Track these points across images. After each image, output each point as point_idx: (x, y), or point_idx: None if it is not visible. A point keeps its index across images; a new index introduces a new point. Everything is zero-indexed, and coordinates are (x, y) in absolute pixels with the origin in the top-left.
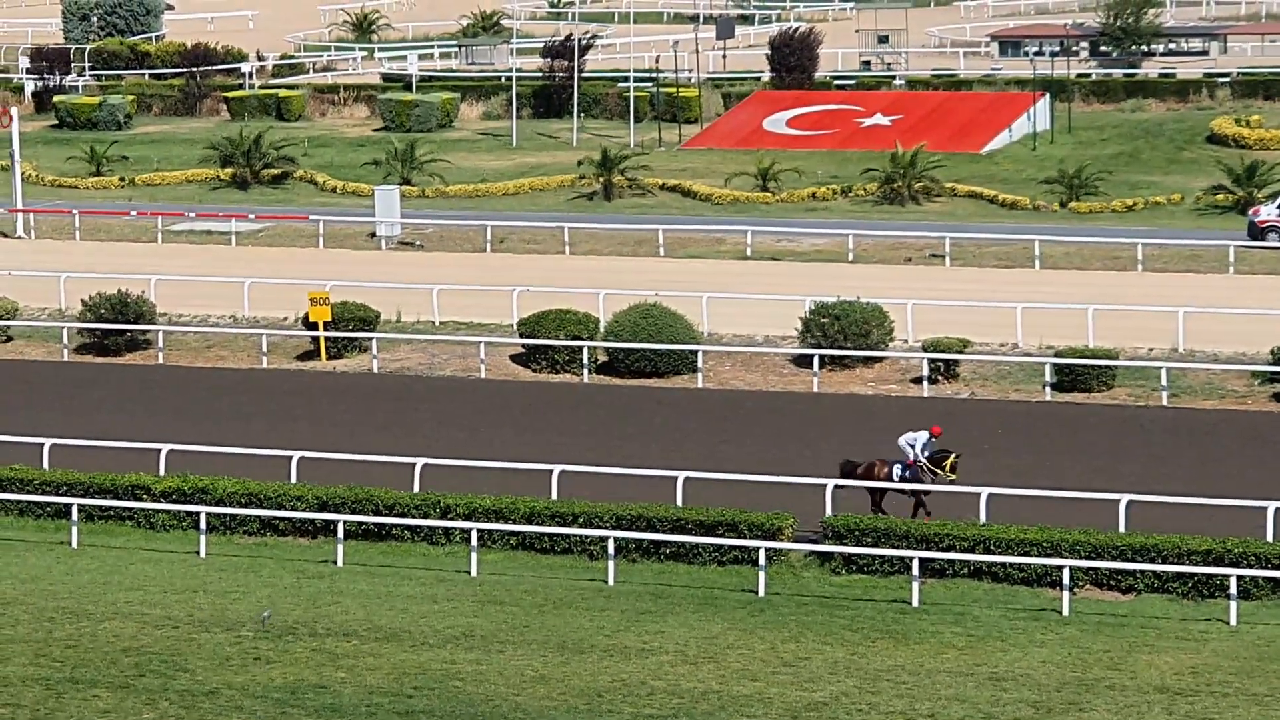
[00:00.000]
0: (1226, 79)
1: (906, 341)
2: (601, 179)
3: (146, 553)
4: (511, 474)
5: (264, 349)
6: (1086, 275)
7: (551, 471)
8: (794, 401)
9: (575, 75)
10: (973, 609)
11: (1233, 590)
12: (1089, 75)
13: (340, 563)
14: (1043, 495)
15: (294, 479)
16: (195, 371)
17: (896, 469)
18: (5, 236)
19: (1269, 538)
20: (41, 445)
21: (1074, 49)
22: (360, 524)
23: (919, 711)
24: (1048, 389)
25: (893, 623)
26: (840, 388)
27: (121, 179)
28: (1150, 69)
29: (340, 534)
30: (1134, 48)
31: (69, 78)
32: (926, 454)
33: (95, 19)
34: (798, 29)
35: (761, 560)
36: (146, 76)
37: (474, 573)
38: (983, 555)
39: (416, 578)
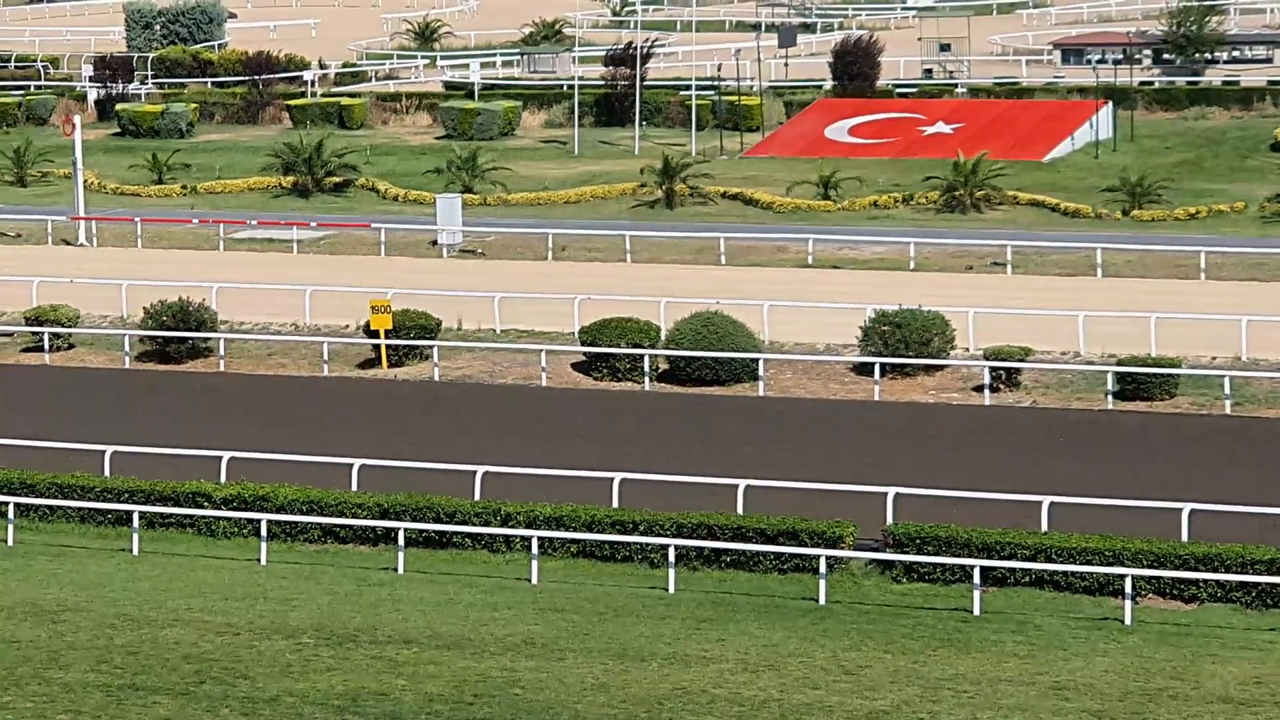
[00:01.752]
0: None
1: (968, 350)
2: (663, 187)
3: (207, 560)
4: (572, 482)
5: (325, 357)
6: (1149, 283)
7: (612, 479)
8: (855, 410)
9: (637, 83)
10: (1034, 618)
11: None
12: (1152, 83)
13: (401, 570)
14: (1105, 504)
15: (355, 486)
16: (256, 379)
17: None
18: (68, 244)
19: None
20: (103, 452)
21: (1137, 57)
22: (421, 531)
23: None
24: (1110, 397)
25: (954, 631)
26: (901, 396)
27: (183, 187)
28: (1213, 77)
29: (401, 541)
30: (1197, 55)
31: (132, 86)
32: None
33: (158, 27)
34: (860, 37)
35: (822, 568)
36: (209, 84)
37: (534, 580)
38: (1045, 564)
39: (477, 585)
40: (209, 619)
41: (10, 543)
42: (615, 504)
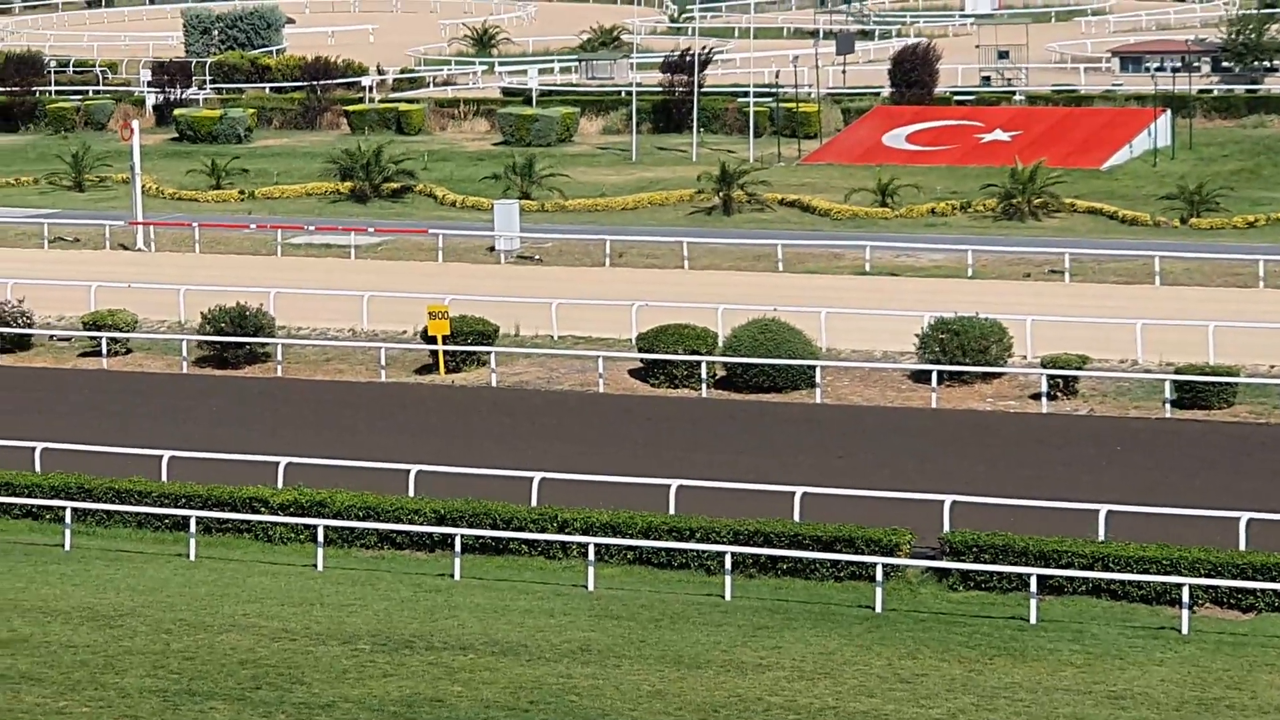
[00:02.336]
0: None
1: (1025, 357)
2: (720, 194)
3: (264, 565)
4: (629, 488)
5: (383, 362)
6: (1207, 292)
7: (669, 486)
8: (912, 417)
9: (695, 90)
10: (1091, 627)
11: None
12: (1210, 91)
13: (458, 576)
14: (1162, 513)
15: (412, 492)
16: (314, 384)
17: None
18: (126, 249)
19: None
20: (160, 458)
21: (1195, 65)
22: (478, 538)
23: None
24: (1167, 406)
25: (1010, 640)
26: (958, 403)
27: (241, 192)
28: (1272, 85)
29: (458, 547)
30: (1256, 63)
31: (190, 91)
32: None
33: (216, 33)
34: (918, 44)
35: (879, 576)
36: (267, 90)
37: (591, 587)
38: (1101, 573)
39: (533, 592)
40: (265, 624)
41: (67, 547)
42: (672, 511)
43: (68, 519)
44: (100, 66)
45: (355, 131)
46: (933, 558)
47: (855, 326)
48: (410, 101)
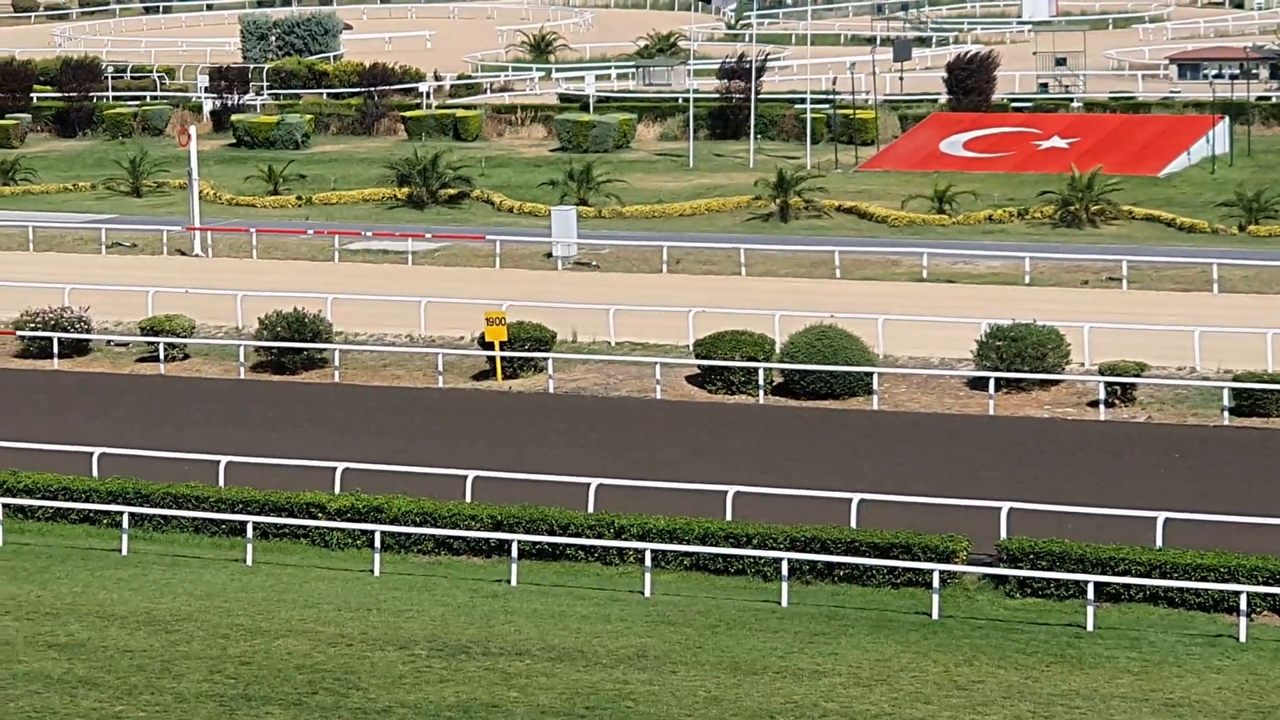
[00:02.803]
0: None
1: (1083, 365)
2: (778, 200)
3: (321, 570)
4: (686, 495)
5: (440, 368)
6: (1265, 299)
7: (726, 492)
8: (969, 424)
9: (752, 96)
10: (1148, 634)
11: None
12: (1269, 98)
13: (514, 582)
14: (1220, 520)
15: (469, 498)
16: (371, 390)
17: None
18: (183, 255)
19: None
20: (217, 463)
21: (1253, 72)
22: (534, 543)
23: None
24: (1225, 413)
25: (1067, 647)
26: (1016, 410)
27: (298, 198)
28: None
29: (514, 553)
30: None
31: (247, 97)
32: None
33: (274, 39)
34: (975, 51)
35: (935, 583)
36: (324, 96)
37: (647, 593)
38: (1158, 580)
39: (590, 598)
40: (322, 630)
41: (125, 552)
42: (729, 517)
43: (125, 524)
44: (158, 72)
45: (412, 137)
46: (990, 564)
47: (912, 333)
48: (467, 107)
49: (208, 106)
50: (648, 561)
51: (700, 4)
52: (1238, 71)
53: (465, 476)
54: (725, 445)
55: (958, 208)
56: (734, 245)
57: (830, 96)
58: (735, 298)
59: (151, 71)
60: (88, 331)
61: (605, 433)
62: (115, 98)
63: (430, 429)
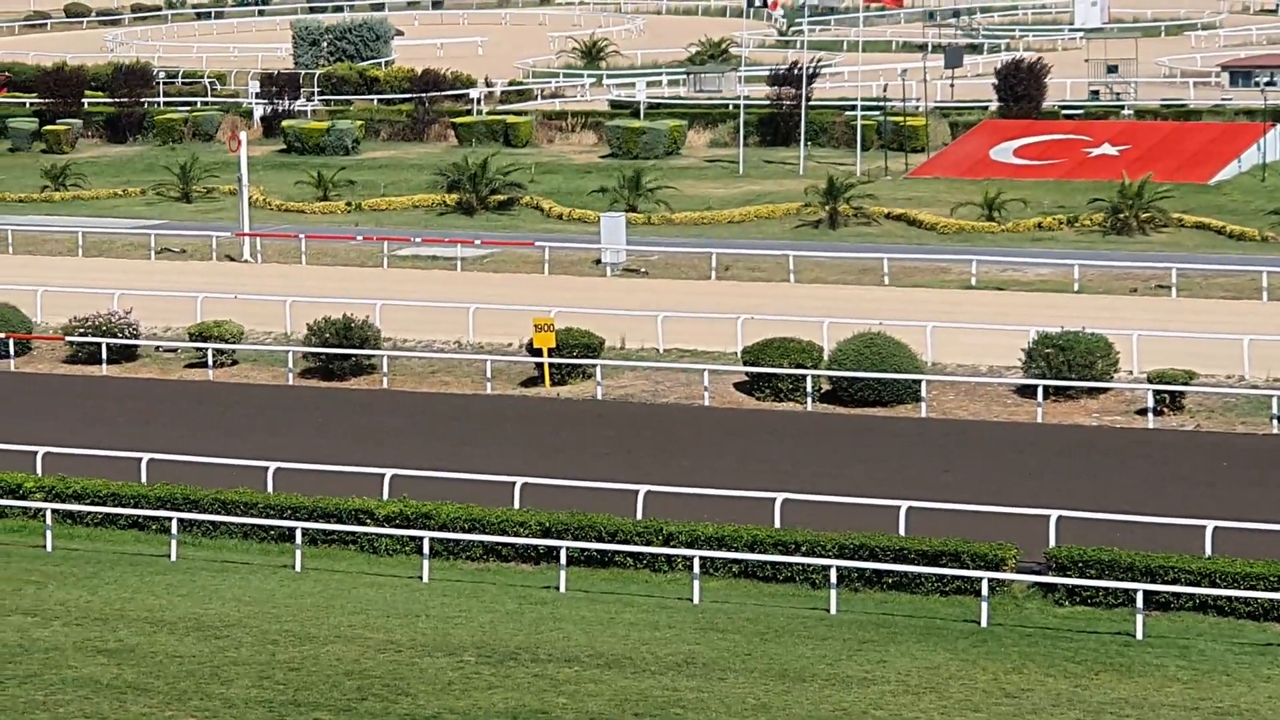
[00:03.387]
0: None
1: (1132, 373)
2: (827, 207)
3: (369, 577)
4: (734, 502)
5: (488, 375)
6: None
7: (774, 499)
8: (1017, 432)
9: (803, 103)
10: (1197, 643)
11: None
12: None
13: (563, 589)
14: (1269, 528)
15: (518, 505)
16: (419, 397)
17: None
18: (232, 260)
19: None
20: (266, 469)
21: None
22: (583, 550)
23: None
24: (1275, 422)
25: (1116, 655)
26: (1064, 418)
27: (348, 203)
28: None
29: (563, 560)
30: None
31: (298, 102)
32: None
33: (325, 44)
34: (1026, 58)
35: (984, 591)
36: (375, 102)
37: (696, 600)
38: (1208, 588)
39: (638, 604)
40: (371, 636)
41: (173, 558)
42: (777, 524)
43: (174, 530)
44: (209, 78)
45: (463, 143)
46: (1038, 572)
47: (961, 341)
48: (518, 114)
49: (258, 112)
50: (696, 568)
51: (751, 11)
52: None
53: (514, 483)
54: (773, 452)
55: (1007, 215)
56: (783, 252)
57: (881, 103)
58: (784, 304)
59: (203, 77)
60: (136, 337)
61: (653, 439)
62: (166, 103)
63: (479, 435)
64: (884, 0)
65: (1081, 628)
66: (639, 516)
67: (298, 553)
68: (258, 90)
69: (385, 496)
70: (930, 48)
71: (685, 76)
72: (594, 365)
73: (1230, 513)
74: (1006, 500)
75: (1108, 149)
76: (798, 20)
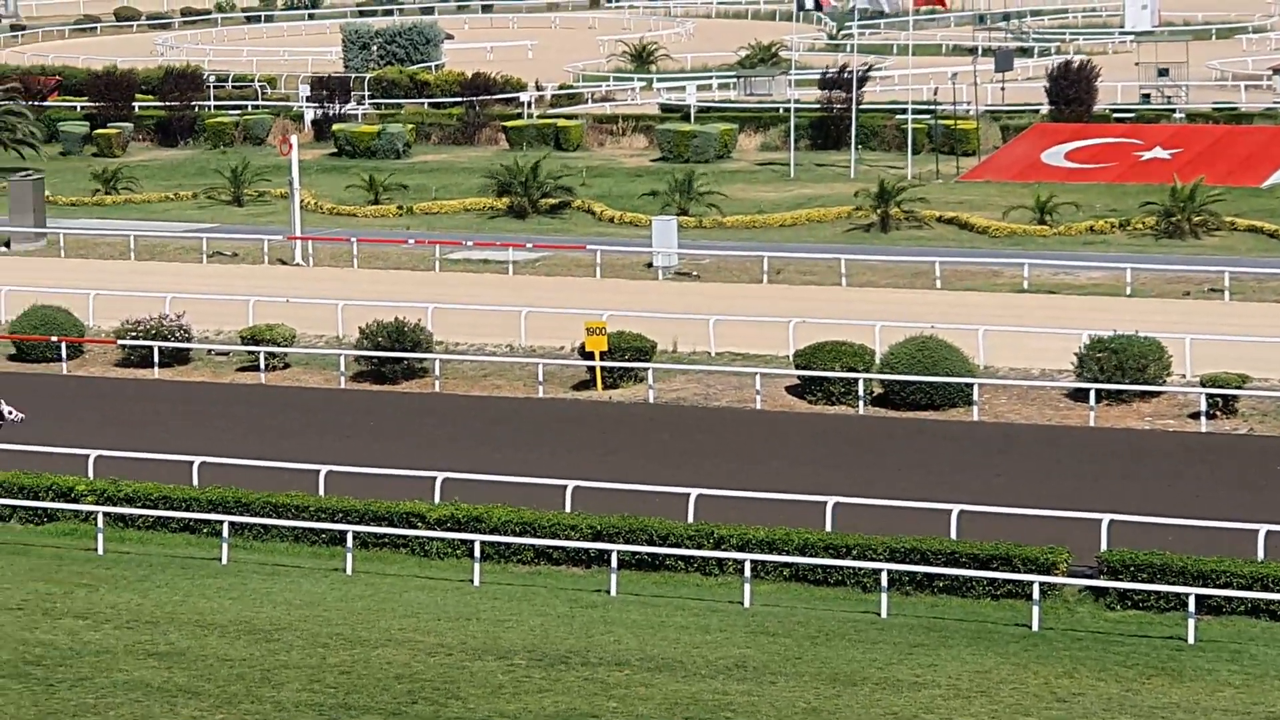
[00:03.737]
0: None
1: (1184, 376)
2: (878, 211)
3: (420, 580)
4: (785, 505)
5: (540, 378)
6: None
7: (826, 503)
8: (1069, 436)
9: (853, 107)
10: (1249, 647)
11: None
12: None
13: (614, 592)
14: None
15: (569, 508)
16: (471, 400)
17: None
18: (284, 264)
19: None
20: (317, 472)
21: None
22: (634, 554)
23: None
24: None
25: (1168, 660)
26: (1116, 422)
27: (399, 207)
28: None
29: (614, 563)
30: None
31: (349, 106)
32: None
33: (375, 48)
34: (1077, 62)
35: (1035, 594)
36: (425, 105)
37: (747, 603)
38: (1260, 593)
39: (689, 608)
40: (421, 639)
41: (224, 561)
42: (828, 528)
43: (225, 533)
44: (259, 81)
45: (514, 147)
46: (1090, 576)
47: (1013, 344)
48: (569, 117)
49: (309, 116)
50: (747, 572)
51: (801, 15)
52: None
53: (565, 486)
54: (825, 456)
55: (1059, 218)
56: (834, 255)
57: (931, 107)
58: (835, 308)
59: (253, 81)
60: (188, 340)
61: (705, 443)
62: (217, 107)
63: (530, 439)
64: (934, 0)
65: (1133, 632)
66: (690, 520)
67: (349, 556)
68: (308, 94)
69: (437, 500)
70: (980, 51)
71: (735, 80)
72: (646, 368)
73: None
74: (1058, 504)
75: (1159, 152)
76: (847, 23)
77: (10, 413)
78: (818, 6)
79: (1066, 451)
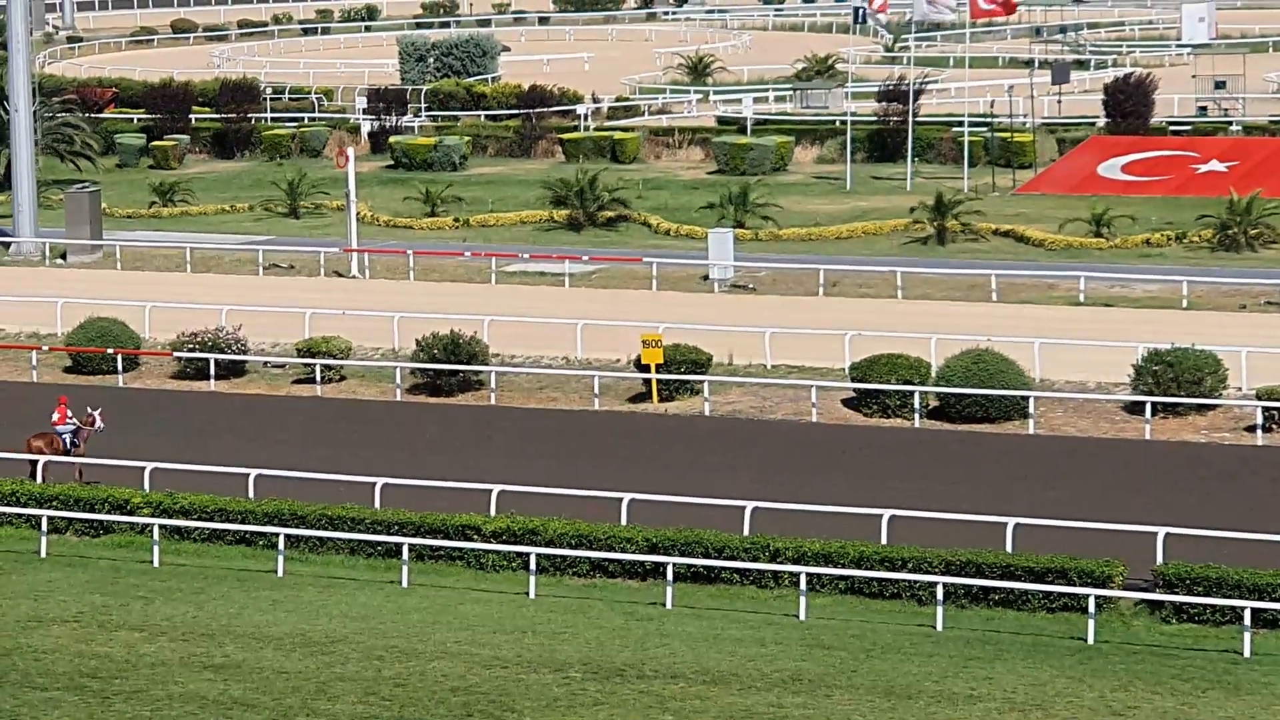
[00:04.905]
0: None
1: (1240, 389)
2: (935, 223)
3: (476, 593)
4: (841, 518)
5: (596, 391)
6: None
7: (881, 516)
8: (1125, 449)
9: (909, 119)
10: None
11: None
12: None
13: (669, 605)
14: None
15: (624, 521)
16: (527, 412)
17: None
18: (340, 276)
19: None
20: (373, 484)
21: None
22: (690, 566)
23: None
24: None
25: (1223, 673)
26: (1172, 435)
27: (456, 219)
28: None
29: (670, 576)
30: None
31: (405, 118)
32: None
33: (432, 60)
34: (1134, 74)
35: (1091, 608)
36: (482, 118)
37: (802, 616)
38: None
39: (745, 621)
40: (477, 652)
41: (280, 574)
42: (884, 540)
43: (281, 545)
44: (316, 93)
45: (570, 159)
46: (1146, 590)
47: (1069, 357)
48: (625, 130)
49: (365, 128)
50: (803, 585)
51: (858, 27)
52: None
53: (621, 499)
54: (880, 469)
55: (1115, 231)
56: (890, 268)
57: (988, 119)
58: (891, 321)
59: (309, 93)
60: (244, 353)
61: (761, 455)
62: (273, 119)
63: (586, 451)
64: (991, 13)
65: (1188, 645)
66: (746, 532)
67: (404, 568)
68: (365, 106)
69: (492, 512)
70: (1037, 64)
71: (792, 92)
72: (702, 381)
73: None
74: (1114, 517)
75: (1215, 165)
76: (904, 36)
77: (97, 423)
78: (864, 20)
79: (1122, 465)
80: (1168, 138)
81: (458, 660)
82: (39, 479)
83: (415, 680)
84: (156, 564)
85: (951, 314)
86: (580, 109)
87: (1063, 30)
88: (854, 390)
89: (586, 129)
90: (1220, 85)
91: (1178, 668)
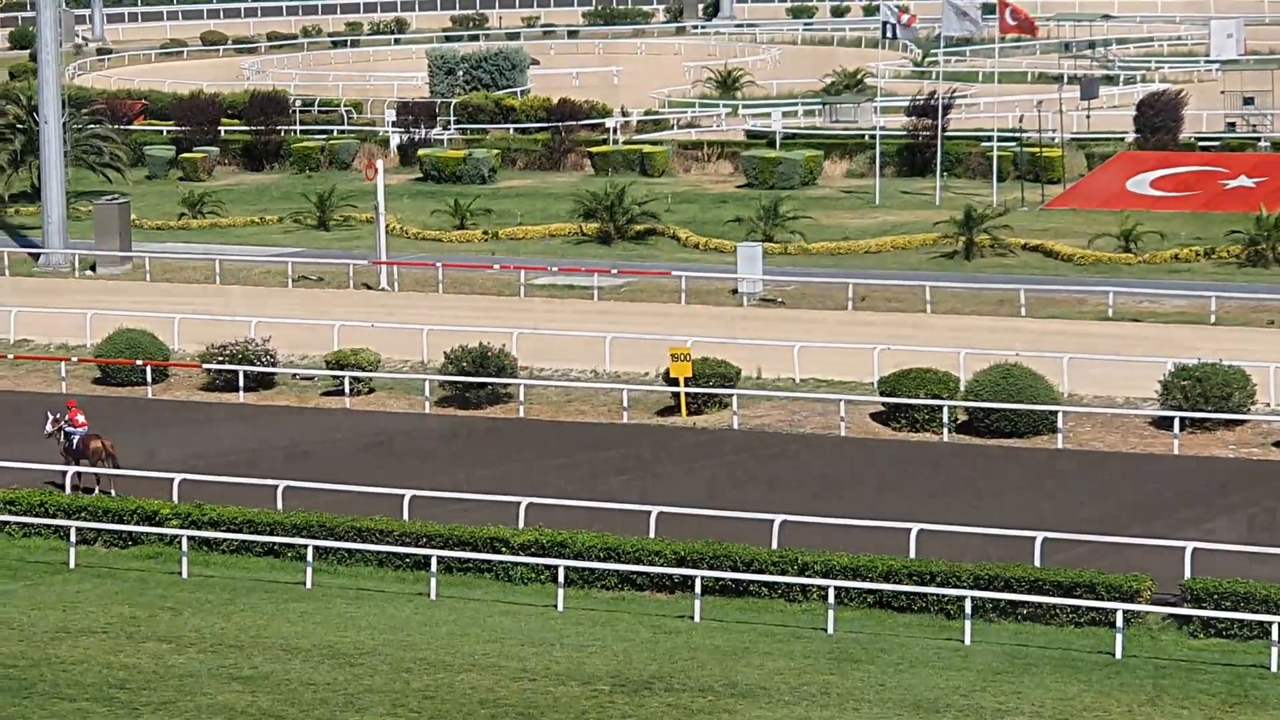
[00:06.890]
0: None
1: (1269, 405)
2: (963, 238)
3: (504, 605)
4: (869, 532)
5: (625, 404)
6: None
7: (910, 530)
8: (1153, 463)
9: (938, 134)
10: None
11: None
12: None
13: (698, 618)
14: None
15: (653, 534)
16: (555, 425)
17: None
18: (369, 288)
19: None
20: (402, 497)
21: None
22: (718, 580)
23: None
24: None
25: (1251, 688)
26: (1200, 450)
27: (485, 232)
28: None
29: (698, 589)
30: None
31: (434, 131)
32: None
33: (461, 73)
34: (1163, 90)
35: (1119, 622)
36: (511, 131)
37: (830, 630)
38: None
39: (773, 634)
40: (505, 664)
41: (309, 585)
42: (912, 554)
43: (309, 557)
44: (345, 106)
45: (599, 173)
46: (1174, 604)
47: (1097, 372)
48: (654, 143)
49: (395, 141)
50: (831, 598)
51: (887, 42)
52: None
53: (649, 512)
54: (909, 483)
55: (1144, 246)
56: (919, 282)
57: (1017, 134)
58: (920, 335)
59: (339, 105)
60: (273, 365)
61: (789, 469)
62: (303, 131)
63: (614, 464)
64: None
65: (1216, 660)
66: (774, 546)
67: (433, 580)
68: (394, 119)
69: (521, 525)
70: (1066, 79)
71: (821, 106)
72: (730, 395)
73: None
74: (1142, 532)
75: (1244, 180)
76: (933, 51)
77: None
78: (893, 35)
79: (1150, 479)
80: (1197, 153)
81: (486, 672)
82: (97, 484)
83: (443, 692)
84: (185, 575)
85: (980, 328)
86: (609, 122)
87: (1091, 45)
88: (883, 404)
89: (616, 142)
90: (1249, 101)
91: (1205, 682)
